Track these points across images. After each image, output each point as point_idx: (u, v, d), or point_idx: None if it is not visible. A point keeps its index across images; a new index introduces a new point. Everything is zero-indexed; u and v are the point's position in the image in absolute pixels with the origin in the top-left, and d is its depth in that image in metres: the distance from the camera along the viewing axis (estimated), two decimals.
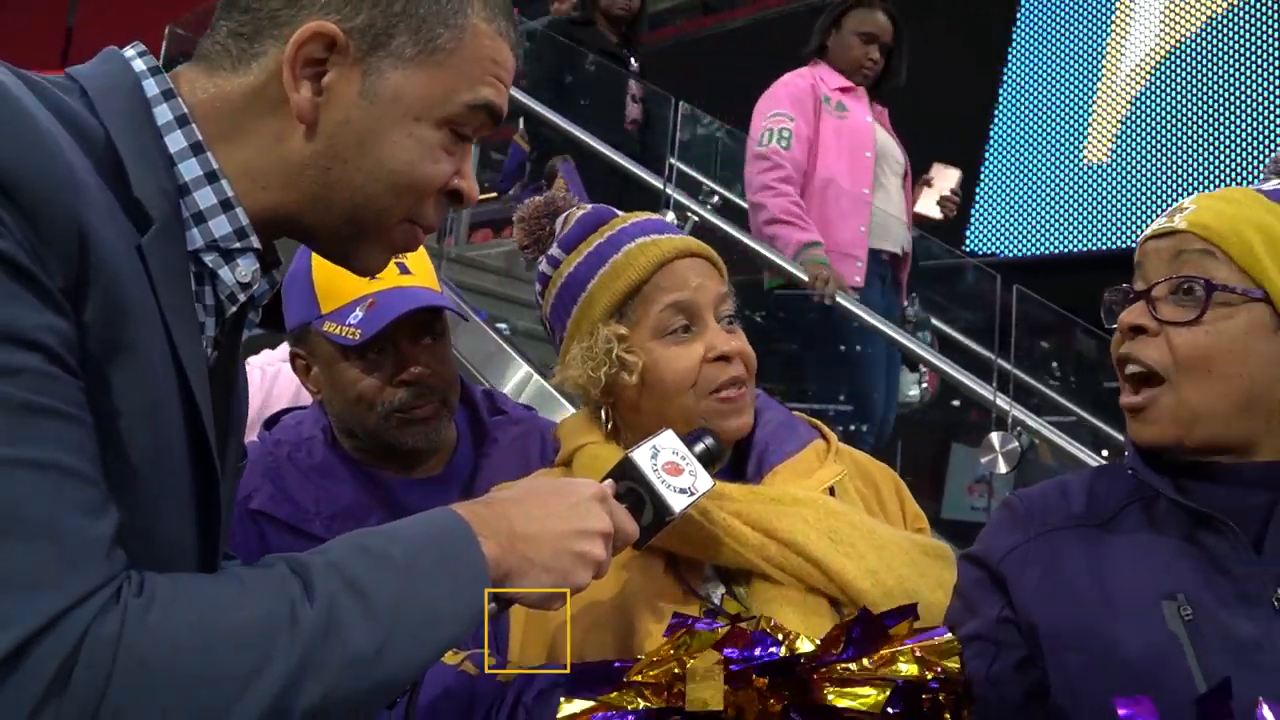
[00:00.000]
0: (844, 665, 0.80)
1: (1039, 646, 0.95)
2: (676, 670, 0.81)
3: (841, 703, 0.77)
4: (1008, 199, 9.37)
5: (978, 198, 9.40)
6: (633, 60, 4.00)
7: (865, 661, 0.82)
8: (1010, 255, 8.97)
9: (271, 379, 1.92)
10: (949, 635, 0.85)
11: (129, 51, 0.73)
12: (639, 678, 0.82)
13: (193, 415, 0.68)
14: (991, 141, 9.62)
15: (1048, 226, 9.09)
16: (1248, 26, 8.66)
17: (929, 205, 3.13)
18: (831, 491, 1.13)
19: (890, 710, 0.76)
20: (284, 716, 0.59)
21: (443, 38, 0.74)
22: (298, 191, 0.74)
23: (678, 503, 0.88)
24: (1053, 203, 9.09)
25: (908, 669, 0.81)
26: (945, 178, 3.17)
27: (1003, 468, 2.52)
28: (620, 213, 1.20)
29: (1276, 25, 8.54)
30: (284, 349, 1.54)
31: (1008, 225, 9.28)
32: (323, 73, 0.72)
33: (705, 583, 1.07)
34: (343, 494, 1.32)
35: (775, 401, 1.23)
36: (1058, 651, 0.93)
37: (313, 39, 0.70)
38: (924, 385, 3.30)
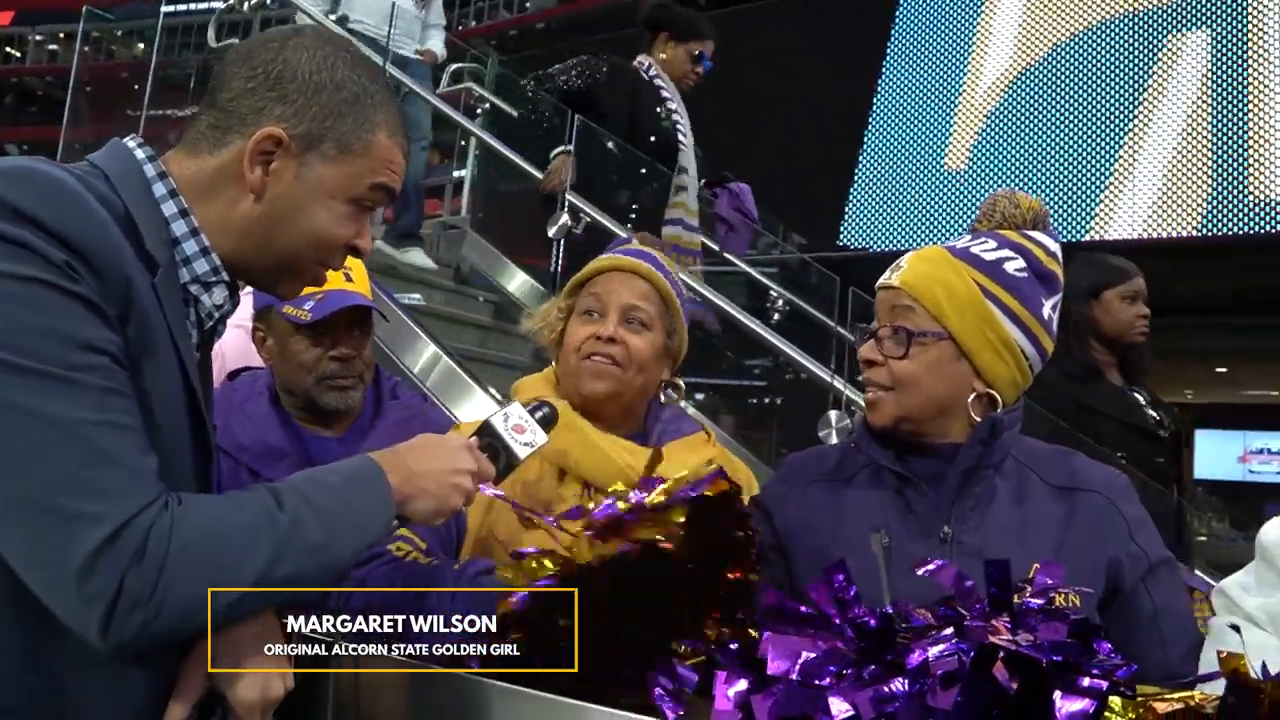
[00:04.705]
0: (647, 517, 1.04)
1: (791, 567, 1.31)
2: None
3: (641, 534, 1.04)
4: (878, 199, 9.97)
5: (851, 198, 10.02)
6: None
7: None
8: (879, 249, 9.58)
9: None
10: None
11: (131, 143, 1.00)
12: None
13: (191, 396, 0.98)
14: (864, 147, 10.20)
15: (912, 223, 9.76)
16: (1090, 52, 9.41)
17: None
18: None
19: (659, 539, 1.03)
20: (268, 581, 0.87)
21: (355, 145, 1.01)
22: (248, 240, 1.01)
23: (522, 452, 1.17)
24: (916, 203, 9.74)
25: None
26: None
27: (835, 440, 2.96)
28: (636, 239, 1.67)
29: (1114, 50, 9.25)
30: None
31: (877, 222, 9.90)
32: (271, 160, 0.98)
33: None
34: (270, 440, 1.71)
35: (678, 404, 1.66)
36: (800, 570, 1.28)
37: (266, 138, 0.98)
38: None
